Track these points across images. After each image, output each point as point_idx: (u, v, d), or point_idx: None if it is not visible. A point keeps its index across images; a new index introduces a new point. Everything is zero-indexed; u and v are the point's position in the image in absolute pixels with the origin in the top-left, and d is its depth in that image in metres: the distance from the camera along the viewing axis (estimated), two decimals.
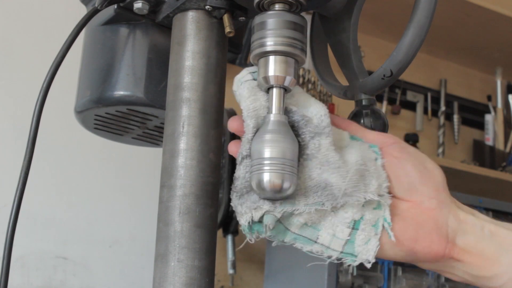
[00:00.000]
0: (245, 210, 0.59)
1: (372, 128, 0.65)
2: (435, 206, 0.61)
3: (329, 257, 0.59)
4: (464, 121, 2.74)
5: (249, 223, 0.59)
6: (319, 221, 0.59)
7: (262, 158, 0.57)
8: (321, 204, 0.58)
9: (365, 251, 0.58)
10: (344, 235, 0.58)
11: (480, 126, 2.75)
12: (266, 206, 0.58)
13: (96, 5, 0.72)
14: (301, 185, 0.59)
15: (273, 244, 0.60)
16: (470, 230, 0.61)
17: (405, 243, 0.60)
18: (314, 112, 0.60)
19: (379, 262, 1.77)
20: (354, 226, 0.59)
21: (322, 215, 0.59)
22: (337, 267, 1.69)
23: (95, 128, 0.84)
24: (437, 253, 0.60)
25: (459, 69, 2.78)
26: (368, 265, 0.58)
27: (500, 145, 2.65)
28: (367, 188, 0.59)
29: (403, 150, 0.62)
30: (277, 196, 0.58)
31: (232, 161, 1.78)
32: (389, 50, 0.62)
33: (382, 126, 0.65)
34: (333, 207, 0.58)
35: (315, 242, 0.59)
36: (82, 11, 0.79)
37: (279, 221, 0.59)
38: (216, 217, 0.65)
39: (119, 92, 0.75)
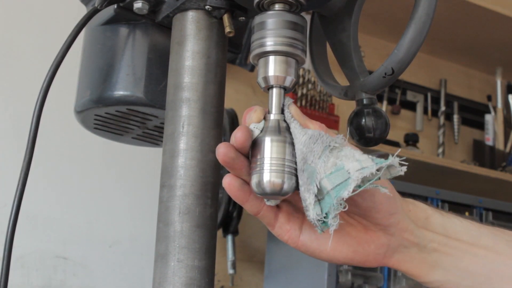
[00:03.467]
0: (311, 220, 0.57)
1: (374, 127, 0.65)
2: (381, 231, 0.62)
3: (372, 174, 0.54)
4: (464, 121, 2.74)
5: (319, 222, 0.56)
6: (336, 161, 0.55)
7: (262, 158, 0.57)
8: (327, 146, 0.56)
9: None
10: (364, 156, 0.55)
11: (480, 126, 2.75)
12: (308, 200, 0.56)
13: (96, 5, 0.72)
14: (301, 142, 0.57)
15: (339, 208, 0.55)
16: (413, 245, 0.63)
17: (340, 257, 0.62)
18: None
19: None
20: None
21: (334, 155, 0.56)
22: (337, 267, 1.69)
23: (95, 128, 0.84)
24: (371, 265, 0.63)
25: (459, 69, 2.78)
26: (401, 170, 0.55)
27: (500, 145, 2.65)
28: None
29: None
30: (277, 196, 0.58)
31: None
32: (389, 50, 0.62)
33: (384, 126, 0.65)
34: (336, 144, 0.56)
35: (350, 177, 0.54)
36: (82, 11, 0.79)
37: (320, 199, 0.56)
38: (216, 217, 0.65)
39: (119, 92, 0.75)
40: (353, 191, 0.54)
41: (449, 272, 0.64)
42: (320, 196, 0.56)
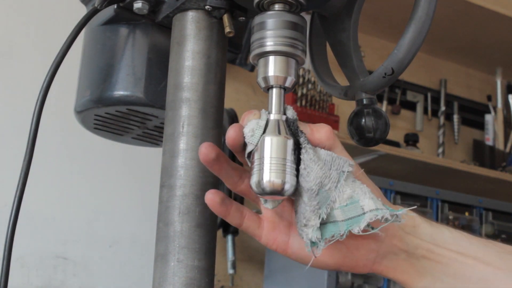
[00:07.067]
0: (303, 235, 0.58)
1: (374, 128, 0.65)
2: (370, 237, 0.62)
3: (386, 219, 0.56)
4: (464, 121, 2.74)
5: (311, 243, 0.57)
6: (352, 193, 0.57)
7: (262, 158, 0.57)
8: (342, 173, 0.57)
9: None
10: (372, 193, 0.57)
11: (480, 126, 2.75)
12: (312, 221, 0.57)
13: (96, 5, 0.72)
14: (311, 175, 0.57)
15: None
16: (402, 252, 0.63)
17: (330, 263, 0.63)
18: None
19: None
20: None
21: (350, 187, 0.57)
22: None
23: (95, 128, 0.84)
24: (360, 271, 0.64)
25: (459, 69, 2.78)
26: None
27: (500, 145, 2.65)
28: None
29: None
30: (276, 196, 0.58)
31: (232, 161, 1.78)
32: (389, 50, 0.62)
33: (384, 126, 0.65)
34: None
35: (364, 213, 0.56)
36: (82, 11, 0.79)
37: (323, 224, 0.57)
38: (216, 217, 0.65)
39: (119, 92, 0.75)
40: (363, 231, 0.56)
41: (437, 279, 0.64)
42: (323, 221, 0.57)
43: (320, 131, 0.60)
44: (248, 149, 0.59)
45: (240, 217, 0.63)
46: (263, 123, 0.59)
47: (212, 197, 0.61)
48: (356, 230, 0.55)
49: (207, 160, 0.60)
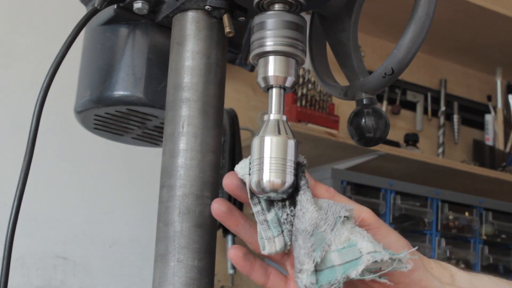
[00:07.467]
0: (298, 282, 0.55)
1: (374, 127, 0.65)
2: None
3: (385, 262, 0.53)
4: (464, 121, 2.74)
5: None
6: (350, 236, 0.55)
7: (262, 157, 0.57)
8: (339, 218, 0.55)
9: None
10: (372, 238, 0.54)
11: (480, 126, 2.75)
12: (306, 265, 0.54)
13: (96, 5, 0.72)
14: (307, 216, 0.56)
15: None
16: None
17: None
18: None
19: None
20: None
21: (348, 230, 0.55)
22: None
23: (95, 128, 0.84)
24: None
25: (459, 69, 2.78)
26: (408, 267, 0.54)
27: (500, 145, 2.65)
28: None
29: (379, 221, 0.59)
30: (276, 196, 0.58)
31: (232, 161, 1.78)
32: (389, 50, 0.62)
33: (384, 126, 0.65)
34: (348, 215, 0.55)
35: (361, 256, 0.53)
36: (82, 11, 0.79)
37: (318, 269, 0.55)
38: None
39: (119, 92, 0.75)
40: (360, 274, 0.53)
41: None
42: (320, 266, 0.55)
43: (322, 186, 0.59)
44: (247, 184, 0.59)
45: (265, 274, 0.61)
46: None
47: (235, 252, 0.60)
48: (353, 274, 0.53)
49: (219, 214, 0.60)
